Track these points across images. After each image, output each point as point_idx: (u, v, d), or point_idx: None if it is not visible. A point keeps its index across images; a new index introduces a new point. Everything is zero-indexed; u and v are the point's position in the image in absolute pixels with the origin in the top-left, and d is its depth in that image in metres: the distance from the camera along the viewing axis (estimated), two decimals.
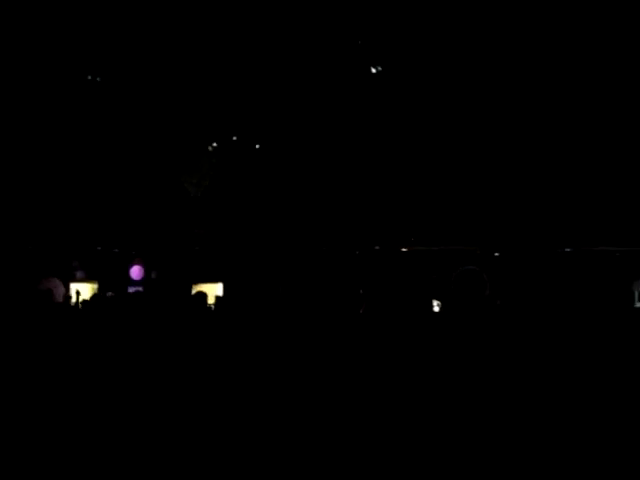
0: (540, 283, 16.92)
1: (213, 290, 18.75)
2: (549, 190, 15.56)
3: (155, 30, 12.84)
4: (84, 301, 13.65)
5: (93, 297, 12.84)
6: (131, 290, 18.42)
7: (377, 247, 19.81)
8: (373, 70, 14.63)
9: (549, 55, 12.65)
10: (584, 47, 12.39)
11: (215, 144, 16.28)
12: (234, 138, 15.81)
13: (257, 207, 17.39)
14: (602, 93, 12.92)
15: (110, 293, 15.39)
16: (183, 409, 4.18)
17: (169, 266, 20.27)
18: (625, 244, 16.69)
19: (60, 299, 17.15)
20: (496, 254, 18.84)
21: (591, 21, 11.92)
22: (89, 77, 14.21)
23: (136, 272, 19.95)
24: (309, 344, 7.51)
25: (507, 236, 17.47)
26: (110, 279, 19.35)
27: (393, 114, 14.97)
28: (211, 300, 13.26)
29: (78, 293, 16.51)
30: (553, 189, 15.50)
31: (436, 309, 17.60)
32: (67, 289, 18.65)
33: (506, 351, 7.46)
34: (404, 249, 19.60)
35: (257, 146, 16.54)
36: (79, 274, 19.60)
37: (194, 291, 18.39)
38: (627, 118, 13.96)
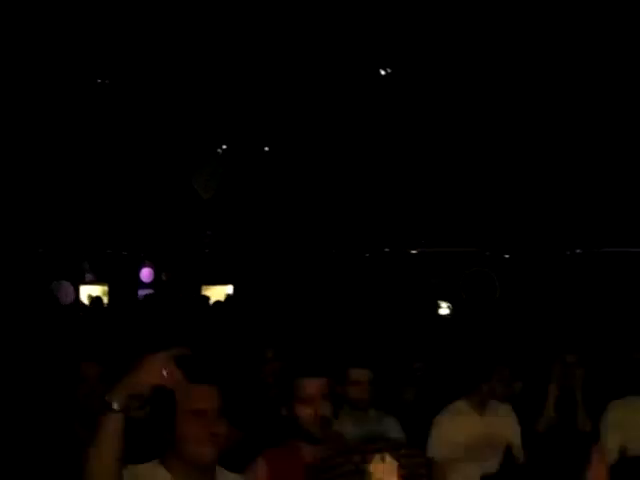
0: (550, 285, 16.87)
1: (223, 292, 18.79)
2: (559, 191, 15.50)
3: (165, 33, 12.87)
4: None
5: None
6: (141, 293, 18.47)
7: (387, 249, 19.80)
8: (382, 72, 14.62)
9: (568, 61, 12.63)
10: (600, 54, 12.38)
11: (224, 146, 16.29)
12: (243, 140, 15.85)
13: (266, 209, 17.39)
14: (610, 96, 12.87)
15: None
16: None
17: (179, 268, 20.31)
18: (637, 245, 16.61)
19: (69, 302, 17.20)
20: (506, 256, 18.80)
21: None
22: (98, 80, 14.24)
23: (146, 274, 19.99)
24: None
25: (517, 238, 17.42)
26: (120, 281, 19.40)
27: (402, 117, 14.95)
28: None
29: (90, 297, 16.60)
30: (563, 190, 15.45)
31: (446, 311, 17.62)
32: (77, 292, 18.70)
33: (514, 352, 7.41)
34: (414, 251, 19.57)
35: (266, 148, 16.54)
36: (89, 277, 19.66)
37: (204, 293, 18.47)
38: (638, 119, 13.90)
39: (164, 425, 3.08)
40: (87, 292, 18.89)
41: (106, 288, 19.47)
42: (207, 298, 16.44)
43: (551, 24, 11.31)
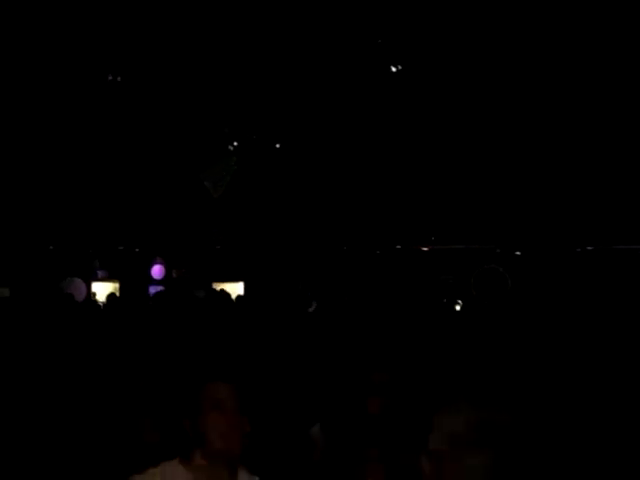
0: (561, 281, 16.84)
1: (234, 289, 18.79)
2: (569, 189, 15.47)
3: (177, 31, 12.89)
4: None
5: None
6: (152, 289, 18.49)
7: (398, 246, 19.77)
8: (393, 69, 14.61)
9: (577, 62, 12.60)
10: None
11: (236, 143, 16.31)
12: (254, 137, 15.87)
13: (278, 206, 17.40)
14: (622, 96, 12.84)
15: None
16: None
17: (190, 265, 20.33)
18: None
19: (81, 299, 17.23)
20: (517, 253, 18.76)
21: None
22: (110, 77, 14.27)
23: (157, 271, 20.02)
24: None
25: (528, 235, 17.38)
26: (131, 278, 19.43)
27: (413, 114, 14.94)
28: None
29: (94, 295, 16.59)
30: (573, 188, 15.42)
31: (457, 308, 17.59)
32: (89, 289, 18.74)
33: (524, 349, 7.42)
34: (425, 248, 19.55)
35: (277, 145, 16.55)
36: (100, 274, 19.71)
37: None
38: None
39: (188, 422, 3.11)
40: (93, 290, 18.94)
41: (117, 285, 19.52)
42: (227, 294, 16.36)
43: (560, 28, 11.33)
